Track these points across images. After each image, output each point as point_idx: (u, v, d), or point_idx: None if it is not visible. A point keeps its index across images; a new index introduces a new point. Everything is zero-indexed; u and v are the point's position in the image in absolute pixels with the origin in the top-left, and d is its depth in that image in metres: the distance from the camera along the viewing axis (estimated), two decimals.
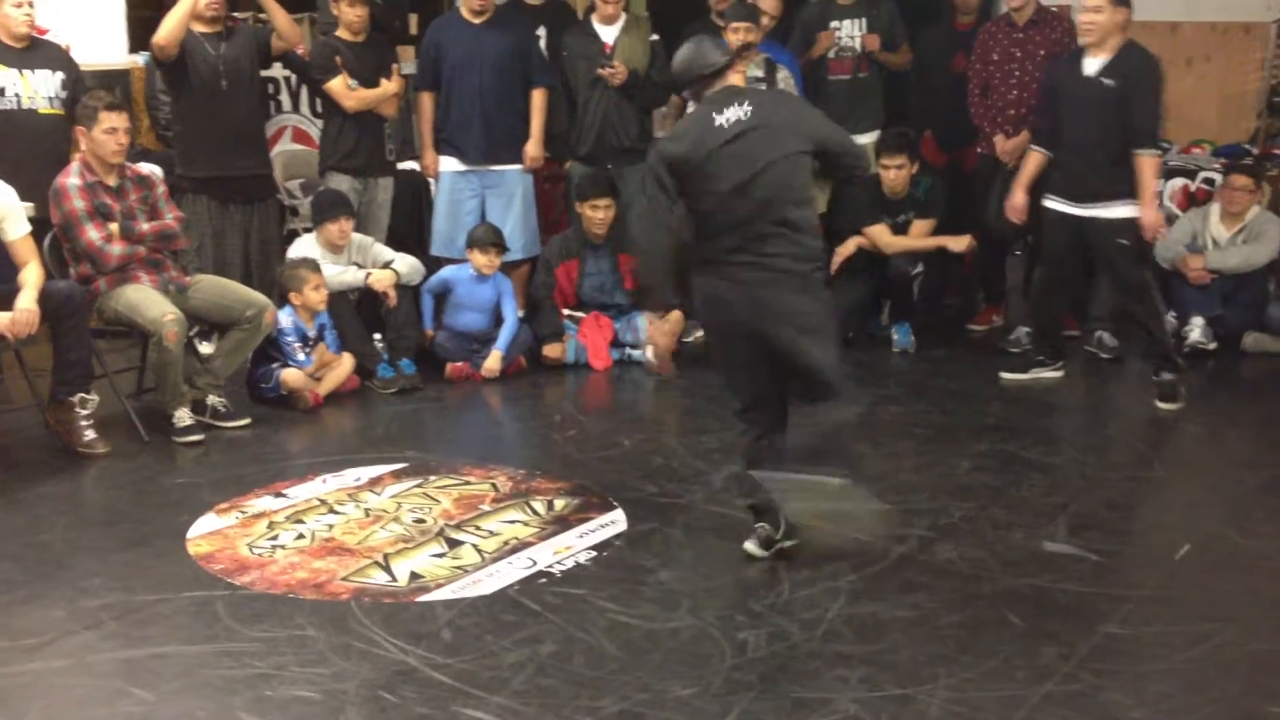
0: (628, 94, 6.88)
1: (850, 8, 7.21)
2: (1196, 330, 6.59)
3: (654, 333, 4.40)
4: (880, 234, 6.80)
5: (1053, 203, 5.93)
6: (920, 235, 6.85)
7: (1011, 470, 5.01)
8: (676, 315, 6.59)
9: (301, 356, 5.86)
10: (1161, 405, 5.79)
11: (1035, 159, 6.06)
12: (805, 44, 7.20)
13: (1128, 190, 5.68)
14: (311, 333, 5.94)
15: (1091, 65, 5.70)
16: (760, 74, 6.63)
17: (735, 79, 4.21)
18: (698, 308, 4.25)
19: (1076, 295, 6.31)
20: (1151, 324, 5.86)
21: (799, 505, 3.97)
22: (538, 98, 6.76)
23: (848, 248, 6.80)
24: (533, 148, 6.76)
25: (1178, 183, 7.54)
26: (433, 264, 6.69)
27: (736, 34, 6.48)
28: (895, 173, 6.74)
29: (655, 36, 7.00)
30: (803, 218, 4.05)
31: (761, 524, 4.16)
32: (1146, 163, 5.64)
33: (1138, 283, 5.85)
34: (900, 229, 6.86)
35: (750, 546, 4.16)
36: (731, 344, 4.14)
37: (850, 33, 7.17)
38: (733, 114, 4.05)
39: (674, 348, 4.35)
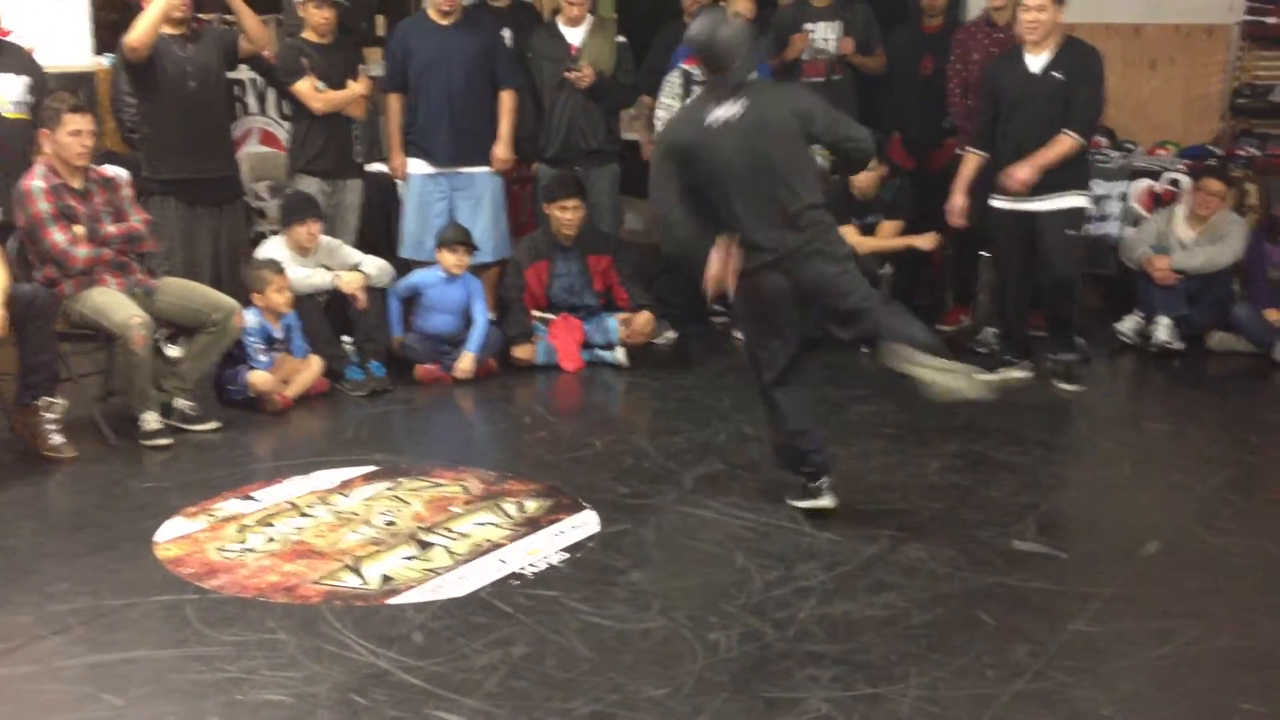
0: (594, 96, 6.88)
1: (825, 10, 7.23)
2: (1163, 330, 6.65)
3: (715, 265, 4.36)
4: (848, 234, 6.81)
5: (1000, 202, 5.97)
6: (888, 236, 6.87)
7: (981, 470, 5.04)
8: (646, 315, 6.63)
9: (263, 359, 5.82)
10: (1066, 387, 6.06)
11: (973, 161, 6.10)
12: (779, 45, 7.22)
13: (1074, 181, 5.82)
14: (278, 334, 5.91)
15: (1036, 63, 5.82)
16: None
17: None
18: (735, 298, 4.43)
19: (1026, 291, 6.27)
20: (1071, 317, 6.04)
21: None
22: (507, 99, 6.75)
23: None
24: (501, 150, 6.75)
25: (1143, 184, 7.59)
26: (402, 266, 6.67)
27: None
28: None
29: (622, 38, 7.01)
30: (808, 202, 4.27)
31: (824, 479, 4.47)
32: (1066, 140, 5.74)
33: (1070, 278, 5.95)
34: (868, 230, 6.89)
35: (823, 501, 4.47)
36: (769, 323, 4.38)
37: (824, 35, 7.20)
38: (724, 113, 4.23)
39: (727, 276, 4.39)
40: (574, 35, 6.93)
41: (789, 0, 7.51)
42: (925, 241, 6.85)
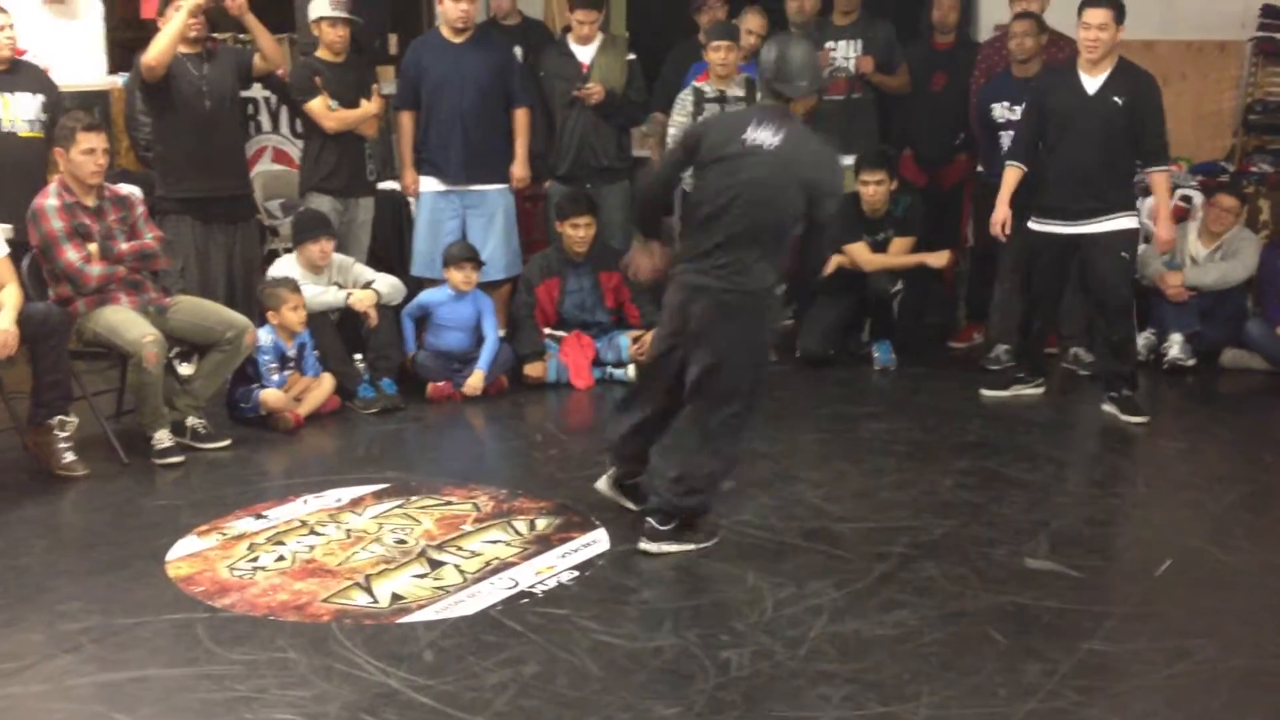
0: (605, 114, 6.89)
1: (846, 29, 7.23)
2: (1175, 346, 6.63)
3: (637, 253, 4.54)
4: (860, 251, 6.81)
5: (1040, 225, 5.89)
6: (899, 253, 6.87)
7: (993, 487, 5.02)
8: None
9: (276, 378, 5.84)
10: (1129, 419, 5.81)
11: (1014, 173, 6.00)
12: None
13: (1126, 202, 5.73)
14: (291, 352, 5.93)
15: (1092, 83, 5.69)
16: (741, 93, 6.66)
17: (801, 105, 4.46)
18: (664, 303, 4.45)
19: (1053, 313, 6.25)
20: (1128, 345, 5.89)
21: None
22: (521, 117, 6.76)
23: (828, 267, 6.79)
24: (518, 168, 6.76)
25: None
26: (413, 284, 6.68)
27: (718, 53, 6.52)
28: (874, 189, 6.76)
29: (632, 56, 7.03)
30: (771, 251, 4.24)
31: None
32: (1161, 179, 5.67)
33: (1125, 302, 5.84)
34: (879, 247, 6.88)
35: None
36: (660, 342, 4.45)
37: (845, 54, 7.19)
38: (763, 137, 4.22)
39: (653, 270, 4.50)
40: (584, 53, 6.94)
41: (803, 18, 7.51)
42: (937, 259, 6.84)
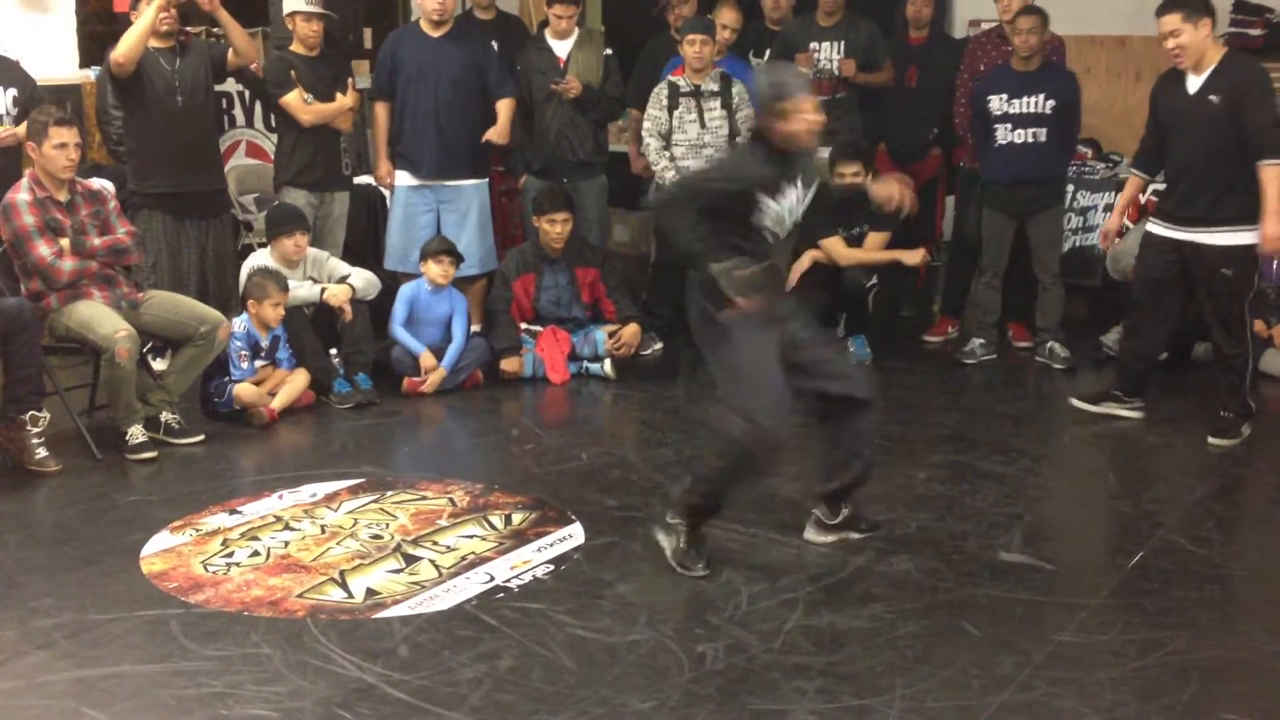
0: (582, 108, 6.89)
1: (830, 29, 7.23)
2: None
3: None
4: (835, 245, 6.82)
5: (1155, 226, 5.63)
6: (875, 248, 6.87)
7: (967, 480, 5.05)
8: (634, 328, 6.64)
9: (245, 365, 5.81)
10: (1215, 441, 5.51)
11: (1134, 183, 5.83)
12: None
13: (1235, 216, 5.33)
14: (264, 343, 5.91)
15: (1194, 83, 5.39)
16: (715, 88, 6.67)
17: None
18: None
19: (1174, 324, 5.88)
20: (1240, 363, 5.51)
21: None
22: (505, 107, 6.75)
23: (803, 262, 6.81)
24: (495, 133, 6.70)
25: None
26: (388, 278, 6.66)
27: (693, 46, 6.53)
28: (851, 180, 6.77)
29: (609, 51, 7.02)
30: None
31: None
32: (1271, 173, 5.22)
33: (1236, 316, 5.49)
34: (855, 241, 6.89)
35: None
36: None
37: (829, 55, 7.19)
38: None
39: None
40: (561, 48, 6.94)
41: (779, 14, 7.51)
42: (911, 257, 6.84)
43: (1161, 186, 5.80)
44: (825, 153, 6.79)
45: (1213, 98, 5.33)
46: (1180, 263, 5.54)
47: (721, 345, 4.10)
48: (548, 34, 7.01)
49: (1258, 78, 5.34)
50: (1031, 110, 6.51)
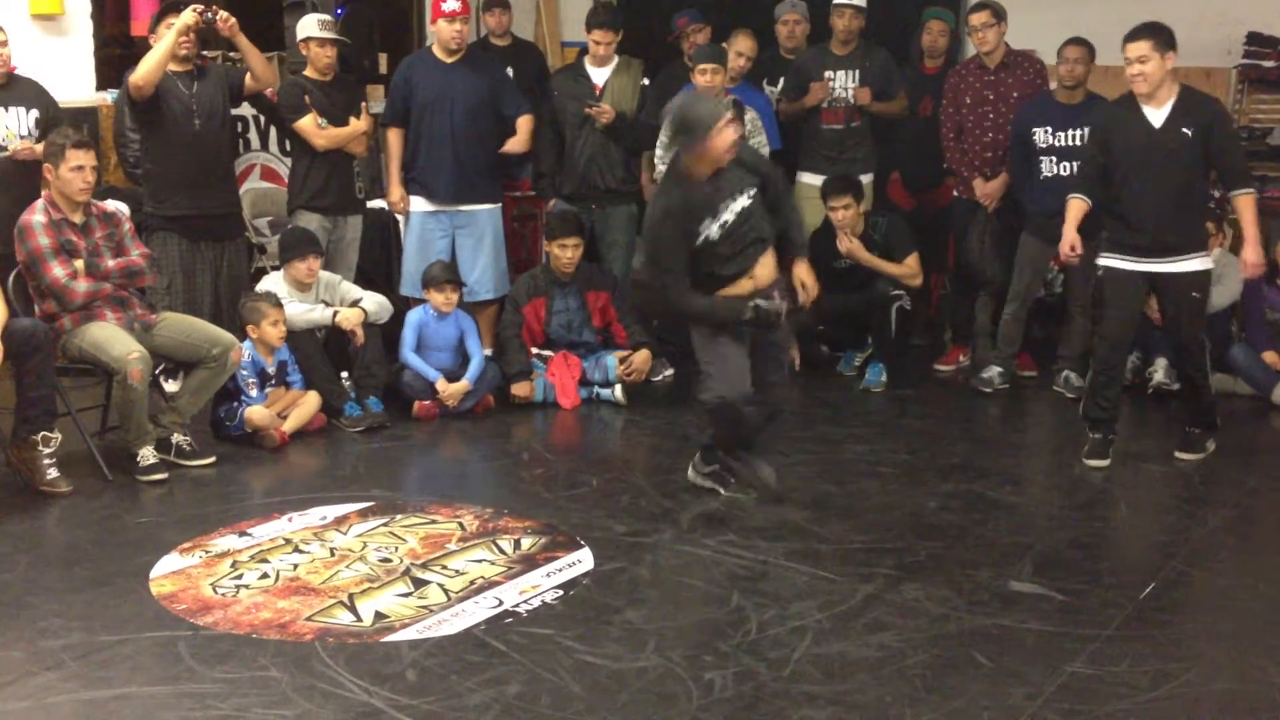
0: (614, 135, 6.91)
1: (844, 58, 7.23)
2: (1160, 371, 6.64)
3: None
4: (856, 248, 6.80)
5: (1116, 260, 5.58)
6: (906, 268, 6.84)
7: (978, 510, 5.03)
8: (645, 353, 6.64)
9: (255, 394, 5.83)
10: (1182, 456, 5.69)
11: (1078, 206, 5.65)
12: (799, 91, 7.22)
13: (1200, 242, 5.53)
14: (270, 369, 5.92)
15: (1157, 116, 5.40)
16: (729, 115, 6.68)
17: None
18: None
19: (1123, 354, 5.88)
20: (1205, 383, 5.67)
21: None
22: (524, 124, 6.79)
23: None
24: (515, 143, 6.79)
25: None
26: (401, 303, 6.68)
27: (704, 75, 6.54)
28: (843, 213, 6.79)
29: (646, 81, 7.04)
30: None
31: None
32: (1246, 202, 5.39)
33: (1198, 341, 5.59)
34: (848, 273, 6.84)
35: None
36: None
37: (843, 84, 7.20)
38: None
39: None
40: (599, 75, 6.99)
41: (794, 43, 7.53)
42: (898, 270, 6.79)
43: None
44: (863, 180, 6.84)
45: (1185, 130, 5.36)
46: (1149, 294, 5.66)
47: (704, 343, 4.89)
48: (586, 61, 7.05)
49: (1224, 110, 5.60)
50: (1076, 144, 6.40)
